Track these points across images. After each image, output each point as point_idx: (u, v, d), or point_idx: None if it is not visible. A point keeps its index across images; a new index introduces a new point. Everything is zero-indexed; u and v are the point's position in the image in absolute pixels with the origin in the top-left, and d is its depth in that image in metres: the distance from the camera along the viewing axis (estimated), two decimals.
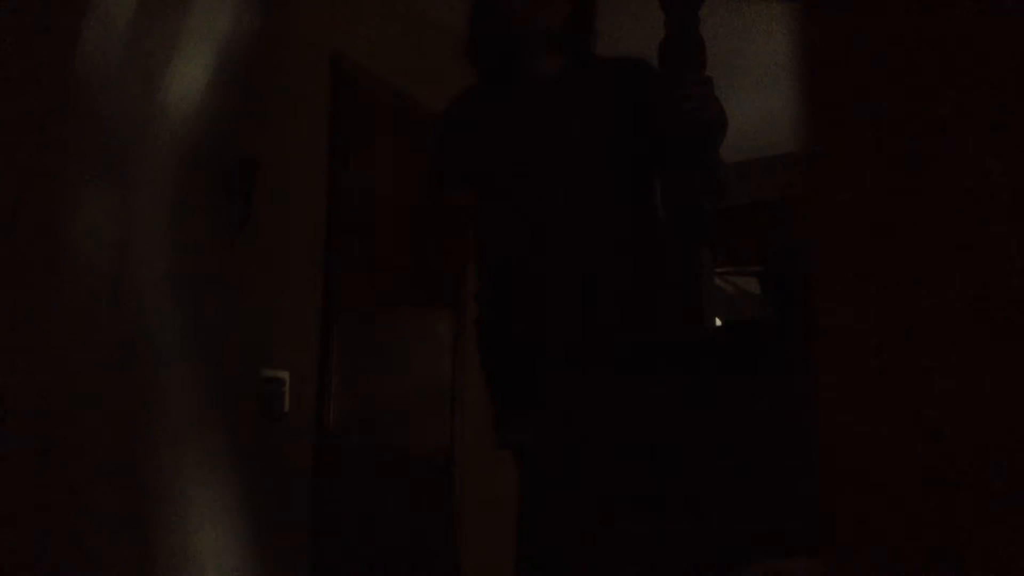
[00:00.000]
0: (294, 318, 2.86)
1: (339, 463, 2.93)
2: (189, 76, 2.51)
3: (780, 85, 4.08)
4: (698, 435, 1.59)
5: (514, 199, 1.88)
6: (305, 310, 2.90)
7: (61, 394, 2.07)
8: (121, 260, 2.26)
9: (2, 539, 1.93)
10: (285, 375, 2.76)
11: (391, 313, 3.28)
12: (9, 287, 1.99)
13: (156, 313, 2.33)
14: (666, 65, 1.85)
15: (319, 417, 2.89)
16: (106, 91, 2.26)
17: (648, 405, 1.63)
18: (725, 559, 1.48)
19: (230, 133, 2.68)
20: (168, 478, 2.31)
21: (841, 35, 0.44)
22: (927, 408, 0.41)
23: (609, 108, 1.89)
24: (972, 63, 0.41)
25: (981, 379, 0.40)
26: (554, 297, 1.83)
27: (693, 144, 1.78)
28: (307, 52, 3.01)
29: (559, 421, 1.73)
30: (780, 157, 4.82)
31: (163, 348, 2.35)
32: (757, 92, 4.23)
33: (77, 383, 2.11)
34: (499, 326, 1.90)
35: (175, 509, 2.32)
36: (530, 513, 1.82)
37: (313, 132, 3.01)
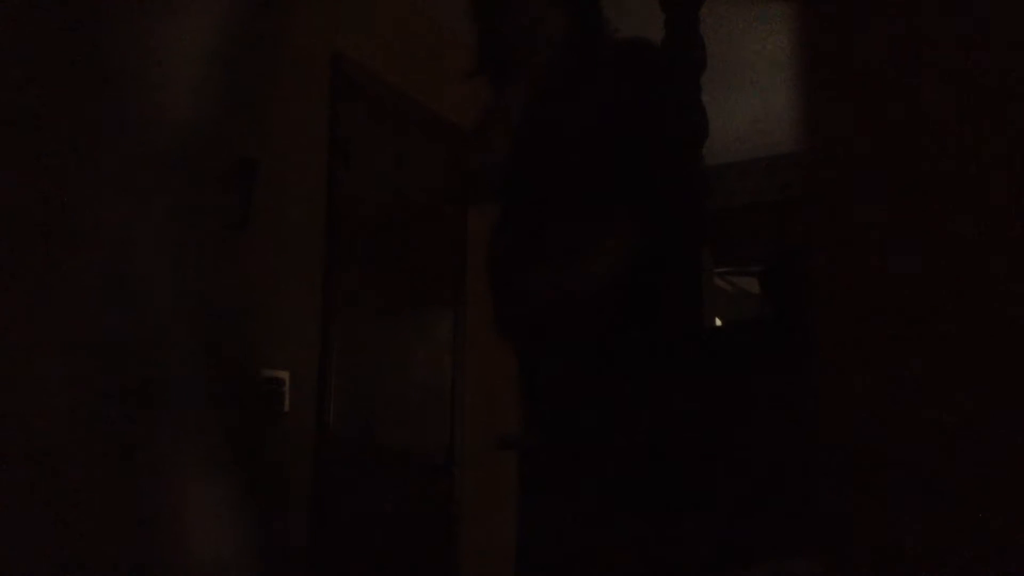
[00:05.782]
0: (294, 318, 2.86)
1: (339, 463, 2.93)
2: (189, 75, 2.51)
3: (780, 85, 4.08)
4: (698, 435, 1.59)
5: (515, 199, 1.88)
6: (305, 310, 2.90)
7: (59, 394, 2.07)
8: (121, 260, 2.26)
9: (1, 540, 1.93)
10: (285, 375, 2.76)
11: (391, 313, 3.28)
12: (8, 287, 1.99)
13: (155, 313, 2.33)
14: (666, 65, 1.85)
15: (319, 417, 2.89)
16: (105, 90, 2.26)
17: (647, 405, 1.62)
18: (727, 559, 1.48)
19: (230, 133, 2.68)
20: (168, 478, 2.32)
21: (841, 35, 0.44)
22: (927, 408, 0.41)
23: (605, 110, 1.89)
24: (971, 63, 0.41)
25: (982, 379, 0.40)
26: (552, 298, 1.83)
27: (674, 148, 1.79)
28: (307, 52, 3.01)
29: (558, 421, 1.73)
30: (780, 157, 4.82)
31: (162, 348, 2.35)
32: (757, 92, 4.22)
33: (76, 383, 2.11)
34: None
35: (174, 509, 2.32)
36: (530, 513, 1.82)
37: (313, 132, 3.01)
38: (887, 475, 0.43)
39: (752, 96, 4.26)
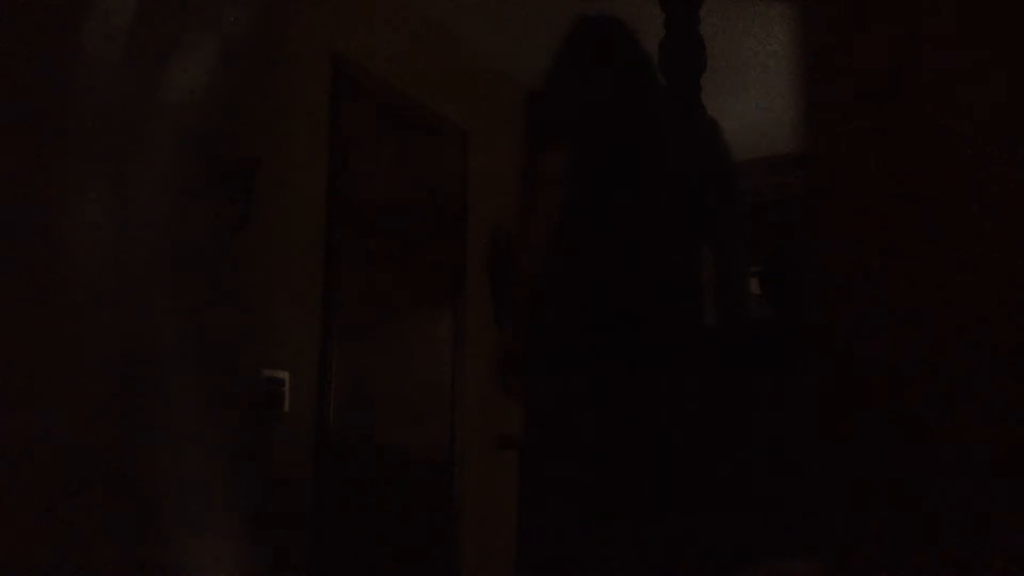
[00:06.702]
0: (294, 318, 2.86)
1: (339, 463, 2.93)
2: (189, 75, 2.51)
3: (780, 85, 4.08)
4: (697, 434, 1.59)
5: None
6: (305, 310, 2.90)
7: (60, 394, 2.07)
8: (121, 260, 2.26)
9: (1, 540, 1.93)
10: (285, 375, 2.76)
11: (391, 313, 3.28)
12: (9, 287, 1.99)
13: (156, 313, 2.33)
14: (666, 65, 1.85)
15: (319, 417, 2.89)
16: (106, 90, 2.26)
17: (647, 405, 1.63)
18: (725, 559, 1.48)
19: (230, 133, 2.68)
20: (168, 478, 2.32)
21: (841, 35, 0.44)
22: (927, 409, 0.41)
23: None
24: (971, 65, 0.41)
25: (982, 379, 0.40)
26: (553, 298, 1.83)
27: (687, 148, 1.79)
28: (307, 52, 3.01)
29: (558, 421, 1.73)
30: (780, 157, 4.81)
31: (163, 348, 2.35)
32: (757, 92, 4.22)
33: (76, 383, 2.11)
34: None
35: (175, 509, 2.32)
36: (530, 513, 1.82)
37: (313, 132, 3.01)
38: (887, 475, 0.43)
39: (752, 96, 4.26)
